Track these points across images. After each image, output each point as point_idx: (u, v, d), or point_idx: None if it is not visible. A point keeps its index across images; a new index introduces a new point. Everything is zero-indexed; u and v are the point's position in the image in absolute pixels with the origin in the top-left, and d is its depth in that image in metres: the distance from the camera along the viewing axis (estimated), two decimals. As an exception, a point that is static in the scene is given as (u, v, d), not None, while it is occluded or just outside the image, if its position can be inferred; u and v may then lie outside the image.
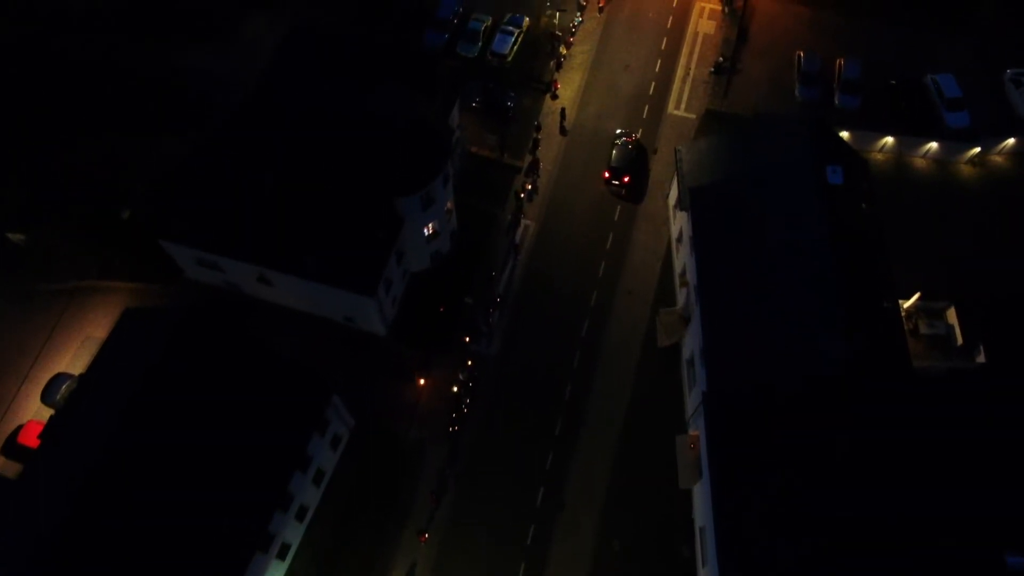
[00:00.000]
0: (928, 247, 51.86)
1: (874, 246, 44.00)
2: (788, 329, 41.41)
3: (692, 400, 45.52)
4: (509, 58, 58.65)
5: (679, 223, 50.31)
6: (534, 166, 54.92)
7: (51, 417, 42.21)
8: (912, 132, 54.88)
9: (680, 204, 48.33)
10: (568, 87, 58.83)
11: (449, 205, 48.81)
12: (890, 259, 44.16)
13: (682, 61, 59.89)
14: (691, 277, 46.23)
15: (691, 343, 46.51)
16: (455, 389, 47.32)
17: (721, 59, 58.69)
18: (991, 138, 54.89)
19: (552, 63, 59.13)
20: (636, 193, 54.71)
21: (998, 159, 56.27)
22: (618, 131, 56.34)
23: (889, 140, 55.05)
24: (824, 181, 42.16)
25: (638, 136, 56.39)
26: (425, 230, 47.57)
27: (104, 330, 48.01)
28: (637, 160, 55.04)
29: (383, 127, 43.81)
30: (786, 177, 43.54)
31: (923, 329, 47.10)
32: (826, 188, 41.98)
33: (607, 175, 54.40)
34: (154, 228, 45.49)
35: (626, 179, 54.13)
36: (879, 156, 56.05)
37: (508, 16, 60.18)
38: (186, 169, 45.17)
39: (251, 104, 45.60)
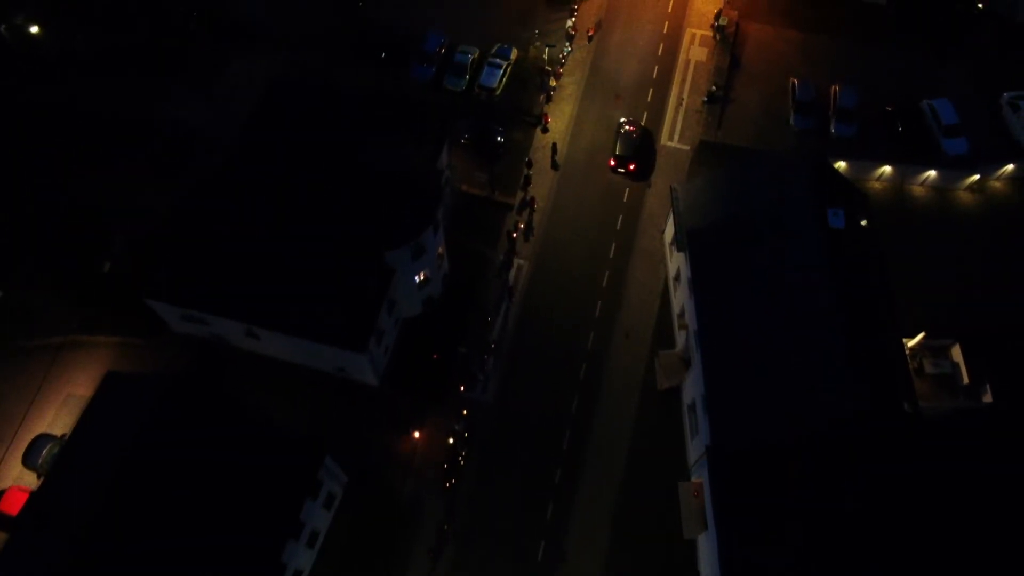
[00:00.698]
0: (930, 279, 50.91)
1: (877, 286, 43.08)
2: (792, 375, 40.40)
3: (695, 447, 44.41)
4: (498, 91, 57.39)
5: (676, 262, 49.19)
6: (528, 203, 53.72)
7: (32, 493, 40.72)
8: (910, 160, 53.95)
9: (677, 244, 47.24)
10: (559, 119, 57.65)
11: (440, 250, 47.57)
12: (893, 294, 43.35)
13: (674, 90, 58.79)
14: (691, 321, 45.11)
15: (692, 388, 45.38)
16: (451, 440, 46.04)
17: (714, 88, 57.60)
18: (990, 164, 54.03)
19: (542, 97, 57.93)
20: (642, 175, 55.62)
21: (997, 184, 55.41)
22: (621, 119, 56.83)
23: (887, 169, 54.11)
24: (825, 225, 41.13)
25: (643, 123, 56.79)
26: (416, 278, 46.31)
27: (87, 388, 46.48)
28: (642, 147, 55.84)
29: (371, 178, 42.54)
30: (786, 219, 42.51)
31: (928, 368, 46.12)
32: (827, 232, 40.94)
33: (613, 163, 55.47)
34: (139, 286, 44.05)
35: (632, 167, 55.13)
36: (877, 184, 55.11)
37: (496, 48, 58.93)
38: (170, 224, 43.77)
39: (235, 157, 44.20)
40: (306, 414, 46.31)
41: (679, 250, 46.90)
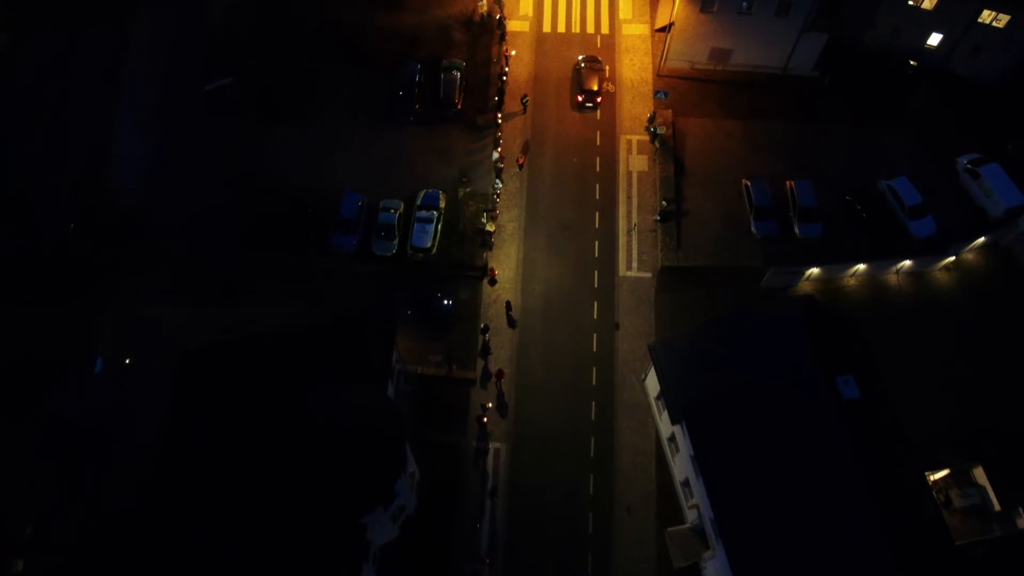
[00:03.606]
0: (926, 377, 47.70)
1: (890, 427, 39.55)
2: (824, 549, 36.79)
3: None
4: (433, 250, 51.49)
5: (667, 423, 44.53)
6: (495, 376, 48.16)
7: None
8: (881, 255, 50.72)
9: (670, 415, 42.51)
10: (505, 265, 52.16)
11: (412, 471, 41.73)
12: (903, 429, 39.90)
13: (622, 210, 54.03)
14: (704, 507, 40.66)
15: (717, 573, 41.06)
16: None
17: (664, 203, 53.13)
18: (961, 243, 51.32)
19: (485, 253, 52.21)
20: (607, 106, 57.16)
21: (969, 256, 52.79)
22: (580, 57, 58.54)
23: (860, 267, 50.82)
24: (837, 396, 37.10)
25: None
26: (390, 516, 40.33)
27: None
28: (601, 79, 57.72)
29: (323, 434, 36.28)
30: (789, 390, 38.36)
31: (956, 501, 42.86)
32: (840, 404, 36.92)
33: (580, 99, 56.81)
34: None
35: (599, 100, 56.95)
36: (851, 281, 51.77)
37: (422, 196, 52.75)
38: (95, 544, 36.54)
39: (160, 463, 37.03)
40: None
41: (673, 422, 42.25)
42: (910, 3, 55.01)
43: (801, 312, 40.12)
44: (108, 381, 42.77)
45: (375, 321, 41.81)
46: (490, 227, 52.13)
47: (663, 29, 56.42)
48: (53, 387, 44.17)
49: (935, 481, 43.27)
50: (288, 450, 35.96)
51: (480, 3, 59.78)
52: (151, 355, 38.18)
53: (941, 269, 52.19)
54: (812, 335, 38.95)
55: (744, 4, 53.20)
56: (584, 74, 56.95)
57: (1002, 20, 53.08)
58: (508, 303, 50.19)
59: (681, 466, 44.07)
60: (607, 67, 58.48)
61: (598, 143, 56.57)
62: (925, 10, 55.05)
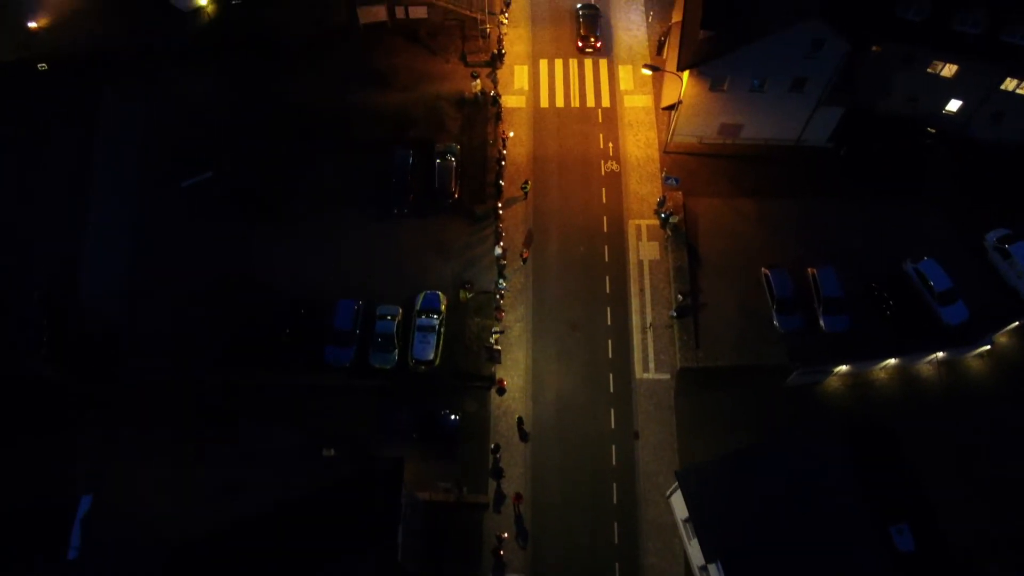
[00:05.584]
0: (965, 480, 44.97)
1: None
2: None
3: None
4: (436, 361, 47.95)
5: (697, 549, 41.19)
6: (513, 500, 44.67)
7: None
8: (913, 349, 47.73)
9: (704, 553, 39.21)
10: (513, 372, 48.71)
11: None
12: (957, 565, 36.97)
13: (634, 304, 50.69)
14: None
15: None
16: None
17: (680, 297, 49.88)
18: (996, 329, 48.47)
19: (494, 368, 48.51)
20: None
21: (1003, 340, 49.98)
22: (578, 5, 60.59)
23: (892, 360, 47.86)
24: (891, 547, 34.01)
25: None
26: None
27: None
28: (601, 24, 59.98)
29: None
30: (837, 537, 35.21)
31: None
32: (896, 558, 33.84)
33: (580, 44, 58.90)
34: None
35: (598, 44, 58.82)
36: (881, 374, 48.80)
37: (421, 300, 49.17)
38: None
39: None
40: None
41: (708, 561, 39.03)
42: (929, 71, 52.10)
43: (844, 443, 36.99)
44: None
45: (380, 470, 38.19)
46: (497, 346, 48.48)
47: (670, 108, 53.11)
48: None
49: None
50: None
51: (474, 83, 56.19)
52: (135, 552, 34.04)
53: (975, 356, 49.35)
54: (859, 474, 35.82)
55: (756, 82, 50.04)
56: (584, 23, 59.75)
57: (1026, 88, 50.44)
58: (520, 419, 46.76)
59: (716, 601, 40.92)
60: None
61: (605, 229, 53.16)
62: (944, 78, 52.17)
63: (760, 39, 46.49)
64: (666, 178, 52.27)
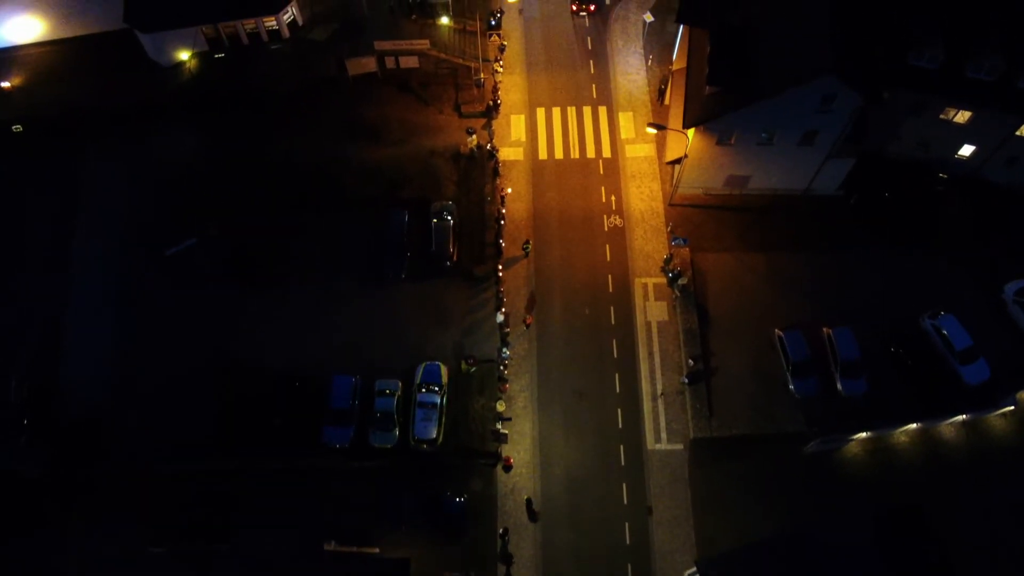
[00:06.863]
0: (1001, 551, 43.11)
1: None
2: None
3: None
4: (439, 439, 45.79)
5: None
6: (516, 589, 42.79)
7: None
8: (935, 412, 45.92)
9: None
10: (520, 445, 46.56)
11: None
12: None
13: (644, 369, 48.64)
14: None
15: None
16: None
17: (691, 362, 47.88)
18: (1019, 388, 46.69)
19: (499, 447, 46.26)
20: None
21: (1024, 396, 48.34)
22: None
23: (913, 425, 46.04)
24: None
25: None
26: None
27: None
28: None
29: None
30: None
31: None
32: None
33: (575, 8, 61.31)
34: None
35: (592, 7, 61.14)
36: (902, 437, 46.93)
37: (422, 371, 46.96)
38: None
39: None
40: None
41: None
42: (941, 117, 50.26)
43: (868, 528, 35.13)
44: None
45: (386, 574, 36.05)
46: (504, 430, 46.29)
47: (674, 162, 51.00)
48: None
49: None
50: None
51: (470, 138, 53.95)
52: None
53: (998, 416, 47.57)
54: (886, 561, 34.00)
55: (764, 135, 48.07)
56: None
57: (1042, 134, 48.64)
58: (529, 499, 44.67)
59: None
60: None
61: (610, 289, 51.08)
62: (957, 124, 50.36)
63: (772, 97, 44.43)
64: (674, 238, 50.13)
